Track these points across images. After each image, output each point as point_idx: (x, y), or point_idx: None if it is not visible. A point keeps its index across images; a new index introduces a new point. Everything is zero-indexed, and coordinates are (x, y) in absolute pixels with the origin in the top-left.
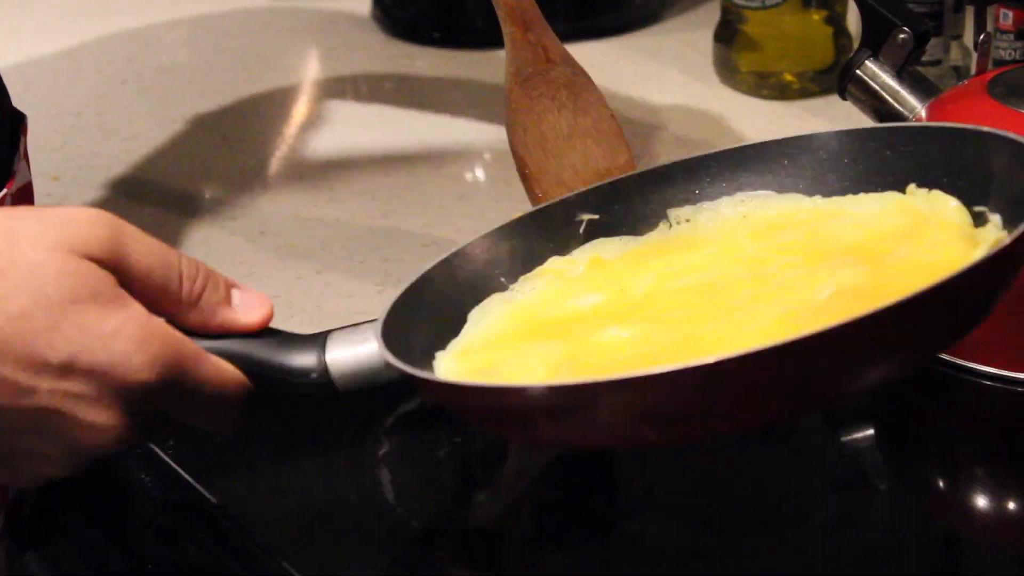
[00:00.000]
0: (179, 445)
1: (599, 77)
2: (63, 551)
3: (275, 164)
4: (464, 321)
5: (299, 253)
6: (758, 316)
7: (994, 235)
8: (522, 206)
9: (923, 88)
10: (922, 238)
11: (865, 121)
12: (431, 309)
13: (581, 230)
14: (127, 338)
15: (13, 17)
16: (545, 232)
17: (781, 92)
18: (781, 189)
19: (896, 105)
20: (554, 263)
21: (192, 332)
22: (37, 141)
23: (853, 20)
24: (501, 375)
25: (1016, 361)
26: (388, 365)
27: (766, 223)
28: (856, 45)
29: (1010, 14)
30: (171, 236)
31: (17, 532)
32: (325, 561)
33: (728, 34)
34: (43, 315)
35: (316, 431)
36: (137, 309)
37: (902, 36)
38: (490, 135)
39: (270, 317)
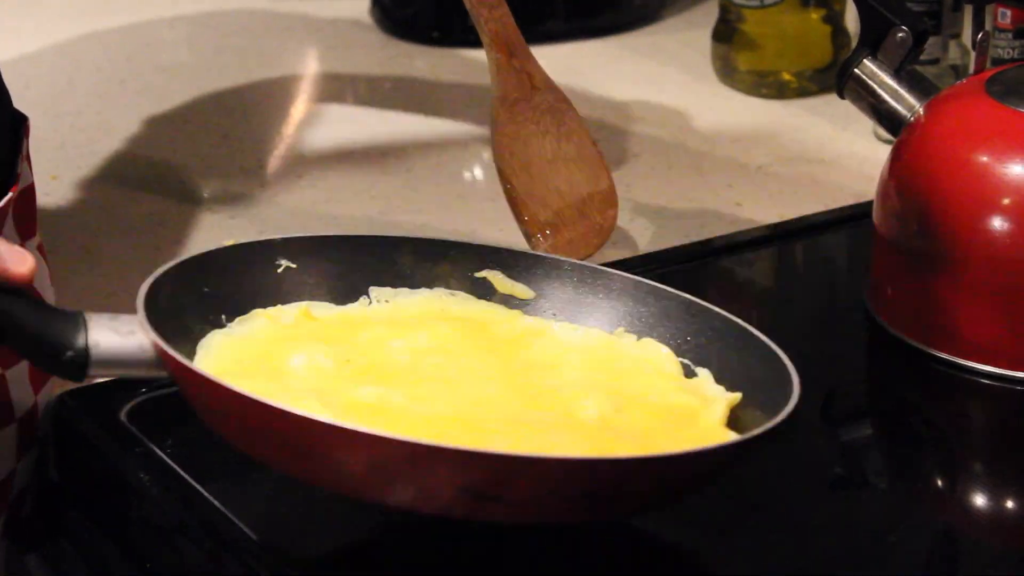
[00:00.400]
0: (179, 445)
1: (598, 76)
2: (63, 551)
3: (274, 163)
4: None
5: None
6: (522, 416)
7: (714, 389)
8: None
9: (921, 87)
10: (642, 380)
11: (863, 120)
12: (173, 312)
13: (279, 272)
14: None
15: (13, 16)
16: (249, 269)
17: (779, 91)
18: (480, 294)
19: (894, 104)
20: (266, 311)
21: None
22: (36, 140)
23: (851, 19)
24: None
25: (1016, 361)
26: (154, 365)
27: (464, 321)
28: (854, 44)
29: (1008, 13)
30: (170, 235)
31: (18, 533)
32: (324, 561)
33: (727, 33)
34: None
35: None
36: None
37: (900, 35)
38: (488, 134)
39: (33, 272)
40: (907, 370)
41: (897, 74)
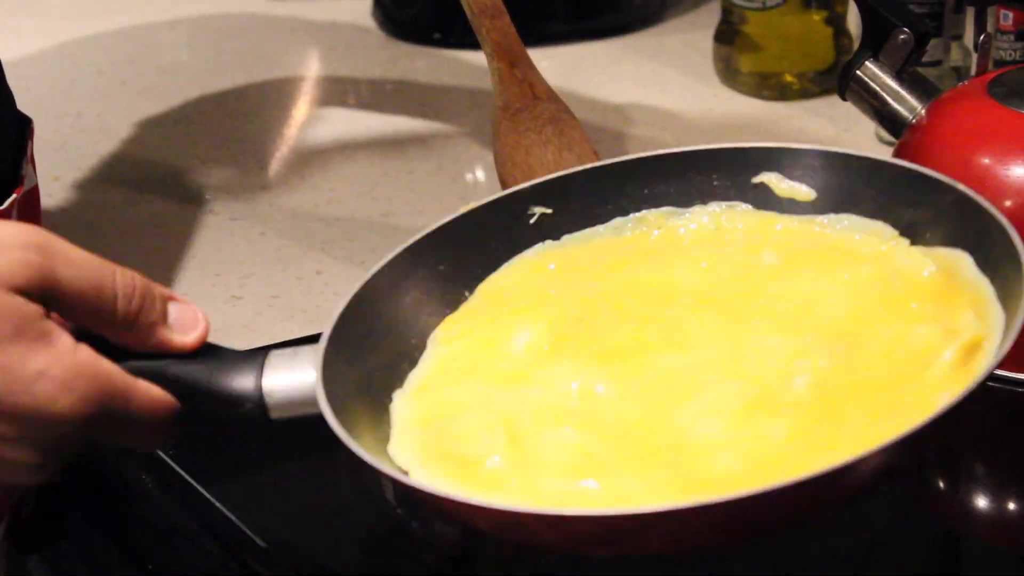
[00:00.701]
0: (180, 446)
1: (600, 77)
2: (64, 552)
3: (275, 165)
4: (412, 347)
5: (299, 253)
6: (725, 399)
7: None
8: None
9: (923, 89)
10: (884, 303)
11: (865, 122)
12: (379, 325)
13: (532, 221)
14: (52, 379)
15: (14, 17)
16: (495, 230)
17: (781, 93)
18: (758, 204)
19: (896, 106)
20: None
21: (126, 351)
22: (38, 141)
23: (853, 21)
24: (458, 433)
25: (1017, 362)
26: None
27: (745, 244)
28: (856, 46)
29: (1010, 15)
30: (171, 237)
31: (19, 534)
32: (325, 561)
33: (729, 35)
34: None
35: (316, 431)
36: (64, 345)
37: (902, 37)
38: (490, 136)
39: (205, 335)
40: None
41: (899, 76)
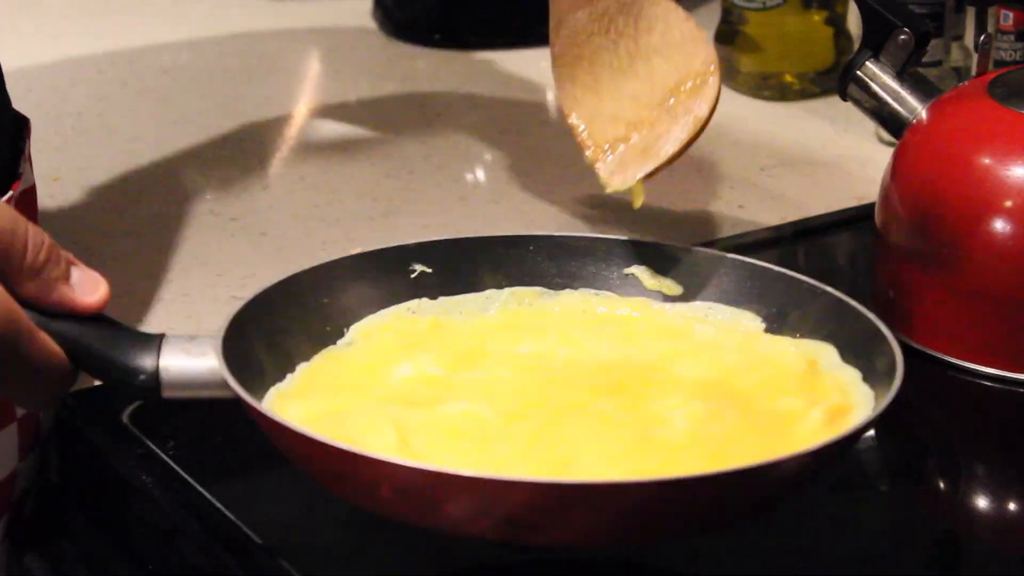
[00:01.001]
0: (179, 445)
1: None
2: (65, 552)
3: (276, 165)
4: (295, 356)
5: (299, 254)
6: (610, 435)
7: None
8: (520, 207)
9: (924, 89)
10: (759, 381)
11: (865, 122)
12: (268, 332)
13: (413, 277)
14: None
15: (14, 19)
16: (380, 275)
17: (782, 93)
18: (625, 293)
19: (896, 106)
20: (396, 316)
21: (26, 304)
22: (38, 142)
23: (854, 21)
24: (348, 429)
25: (1019, 363)
26: (226, 386)
27: (616, 327)
28: (857, 46)
29: (1011, 15)
30: (172, 237)
31: (19, 533)
32: (325, 561)
33: (729, 35)
34: None
35: None
36: None
37: (903, 37)
38: (490, 136)
39: (106, 301)
40: (909, 372)
41: (899, 76)
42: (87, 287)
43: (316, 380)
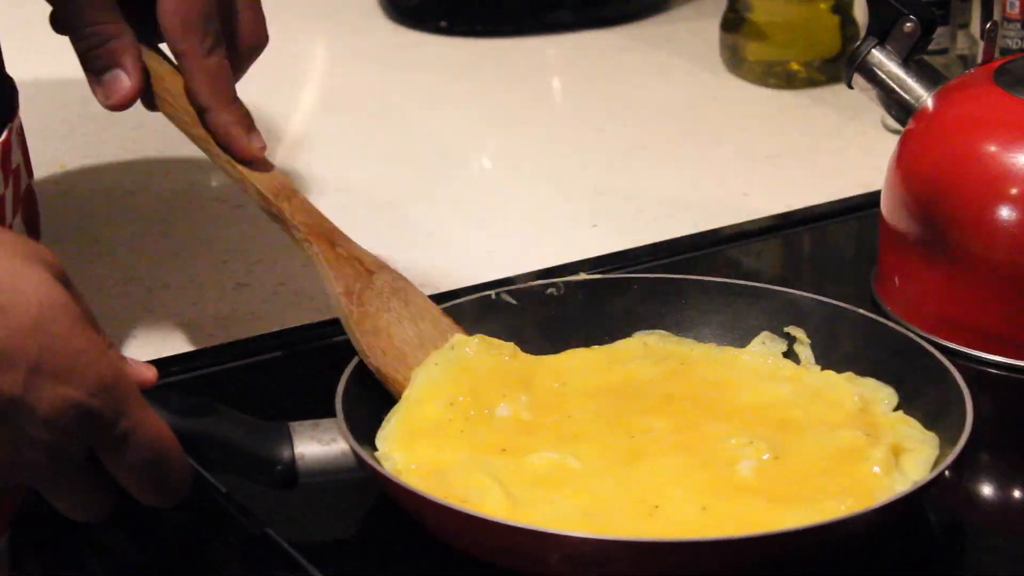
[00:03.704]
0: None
1: (606, 66)
2: (64, 551)
3: (281, 152)
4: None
5: None
6: (685, 477)
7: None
8: (526, 195)
9: (929, 77)
10: (816, 415)
11: (871, 110)
12: (380, 393)
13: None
14: (88, 363)
15: (17, 4)
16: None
17: (787, 81)
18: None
19: (902, 94)
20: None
21: None
22: (44, 129)
23: (859, 9)
24: (453, 486)
25: (1021, 349)
26: (360, 468)
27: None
28: (863, 34)
29: (1017, 3)
30: (178, 223)
31: (22, 533)
32: (327, 561)
33: (735, 23)
34: (19, 316)
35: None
36: (96, 336)
37: (909, 24)
38: (496, 124)
39: (155, 380)
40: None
41: (905, 64)
42: (141, 365)
43: (414, 419)
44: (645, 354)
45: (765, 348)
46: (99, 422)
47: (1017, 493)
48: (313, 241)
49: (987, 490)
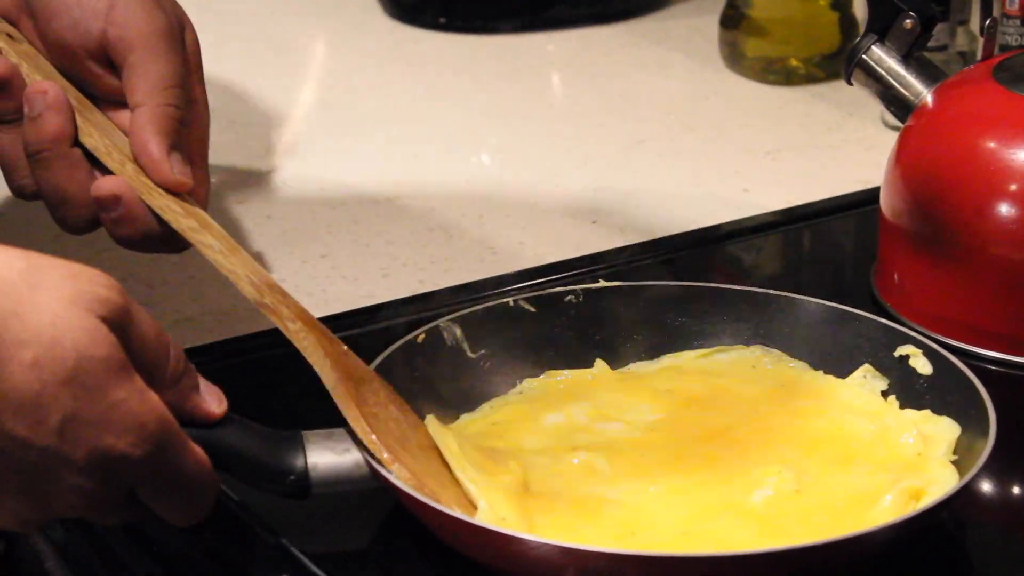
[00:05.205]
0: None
1: (606, 62)
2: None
3: (281, 148)
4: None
5: (304, 237)
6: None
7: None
8: (525, 190)
9: (929, 73)
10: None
11: (870, 106)
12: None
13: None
14: (127, 412)
15: None
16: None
17: (787, 77)
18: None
19: (901, 90)
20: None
21: None
22: None
23: (859, 5)
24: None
25: (1020, 345)
26: (374, 479)
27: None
28: (862, 30)
29: (1016, 0)
30: None
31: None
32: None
33: (734, 19)
34: (54, 368)
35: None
36: (139, 383)
37: (908, 21)
38: (495, 119)
39: (227, 409)
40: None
41: (905, 60)
42: (213, 396)
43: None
44: (748, 372)
45: (865, 383)
46: (140, 469)
47: (1016, 488)
48: (309, 331)
49: (986, 485)
